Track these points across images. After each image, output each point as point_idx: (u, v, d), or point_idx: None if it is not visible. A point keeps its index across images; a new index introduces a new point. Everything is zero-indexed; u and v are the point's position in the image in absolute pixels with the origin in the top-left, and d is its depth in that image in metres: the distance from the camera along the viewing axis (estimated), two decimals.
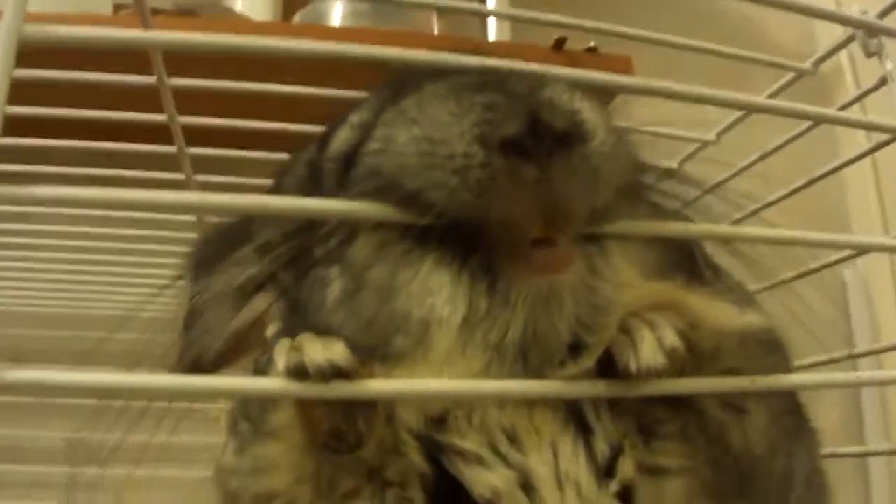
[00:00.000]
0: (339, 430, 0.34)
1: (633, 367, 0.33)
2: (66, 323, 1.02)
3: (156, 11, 0.89)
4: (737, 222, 0.53)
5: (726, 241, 0.41)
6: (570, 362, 0.35)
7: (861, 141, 0.62)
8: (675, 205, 0.41)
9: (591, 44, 1.00)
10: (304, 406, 0.34)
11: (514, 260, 0.34)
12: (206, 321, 0.49)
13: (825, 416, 0.50)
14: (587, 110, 0.34)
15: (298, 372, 0.31)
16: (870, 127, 0.51)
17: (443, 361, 0.34)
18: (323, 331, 0.36)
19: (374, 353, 0.35)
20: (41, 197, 0.29)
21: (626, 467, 0.36)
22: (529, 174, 0.31)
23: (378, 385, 0.32)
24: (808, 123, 0.59)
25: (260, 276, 0.48)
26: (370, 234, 0.36)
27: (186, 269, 0.53)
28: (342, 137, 0.43)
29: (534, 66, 0.36)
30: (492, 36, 1.04)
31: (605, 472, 0.36)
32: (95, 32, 0.31)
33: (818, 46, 0.63)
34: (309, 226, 0.43)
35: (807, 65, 0.59)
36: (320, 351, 0.31)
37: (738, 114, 0.64)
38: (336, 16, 1.02)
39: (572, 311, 0.34)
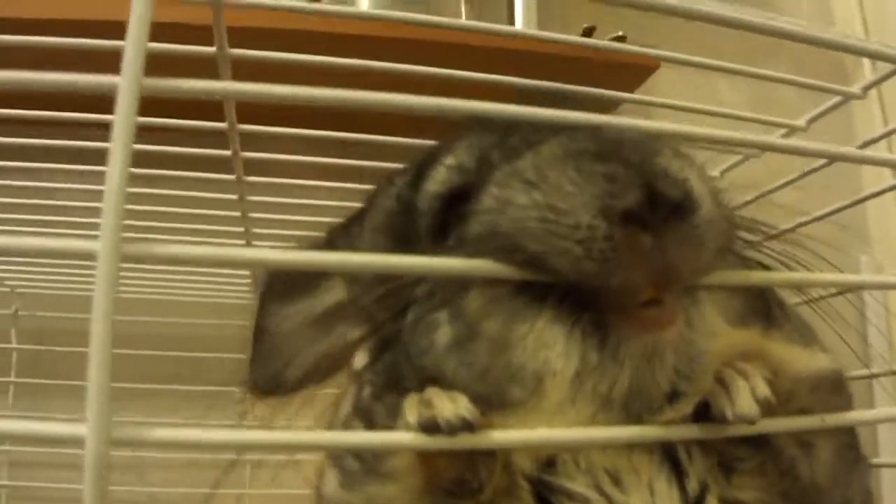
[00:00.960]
0: (461, 478, 0.37)
1: (729, 415, 0.37)
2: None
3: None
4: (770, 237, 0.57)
5: (801, 286, 0.44)
6: (666, 408, 0.39)
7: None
8: (753, 252, 0.44)
9: (619, 33, 1.02)
10: (428, 455, 0.37)
11: (624, 318, 0.37)
12: (289, 345, 0.52)
13: None
14: (695, 179, 0.37)
15: (429, 427, 0.34)
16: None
17: (555, 411, 0.38)
18: (431, 375, 0.40)
19: (489, 401, 0.38)
20: None
21: (712, 502, 0.40)
22: (647, 244, 0.34)
23: (500, 436, 0.35)
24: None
25: (348, 304, 0.50)
26: (483, 286, 0.39)
27: (261, 291, 0.56)
28: (439, 179, 0.45)
29: (642, 124, 0.39)
30: (518, 23, 1.06)
31: None
32: None
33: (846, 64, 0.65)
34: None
35: (856, 88, 0.62)
36: (450, 407, 0.34)
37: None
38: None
39: (672, 363, 0.38)
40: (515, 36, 0.95)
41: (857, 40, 0.51)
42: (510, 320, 0.38)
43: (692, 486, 0.40)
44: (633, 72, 1.06)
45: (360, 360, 0.49)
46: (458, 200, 0.43)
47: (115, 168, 0.28)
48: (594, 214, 0.35)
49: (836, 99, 0.63)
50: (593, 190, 0.35)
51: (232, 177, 0.72)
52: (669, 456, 0.40)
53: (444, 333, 0.40)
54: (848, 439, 0.44)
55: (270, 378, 0.53)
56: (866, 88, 0.62)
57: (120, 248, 0.28)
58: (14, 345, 1.10)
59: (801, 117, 0.68)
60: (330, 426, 0.47)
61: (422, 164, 0.48)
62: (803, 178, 0.65)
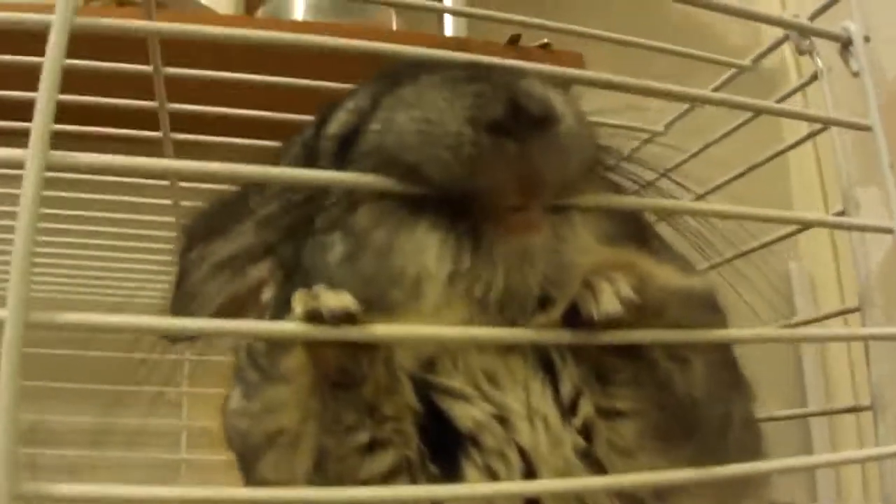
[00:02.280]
0: (345, 369, 0.40)
1: (594, 314, 0.40)
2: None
3: (124, 3, 0.95)
4: None
5: (673, 213, 0.49)
6: (540, 313, 0.42)
7: (802, 130, 0.71)
8: (631, 184, 0.49)
9: (545, 40, 1.09)
10: (315, 348, 0.40)
11: (494, 223, 0.41)
12: (202, 286, 0.55)
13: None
14: (557, 99, 0.41)
15: (315, 316, 0.37)
16: (801, 117, 0.60)
17: (432, 312, 0.41)
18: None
19: (372, 304, 0.41)
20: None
21: (586, 408, 0.43)
22: (510, 150, 0.39)
23: (381, 329, 0.38)
24: (750, 114, 0.67)
25: (257, 246, 0.54)
26: (371, 203, 0.43)
27: (182, 237, 0.59)
28: (340, 120, 0.50)
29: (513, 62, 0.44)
30: (448, 31, 1.12)
31: (569, 410, 0.43)
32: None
33: (763, 41, 0.71)
34: (307, 200, 0.50)
35: (747, 61, 0.68)
36: (333, 298, 0.38)
37: (684, 107, 0.72)
38: (298, 10, 1.08)
39: (542, 268, 0.42)
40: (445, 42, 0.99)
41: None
42: (394, 230, 0.42)
43: (565, 389, 0.43)
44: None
45: (267, 294, 0.53)
46: (355, 137, 0.47)
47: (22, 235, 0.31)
48: (462, 123, 0.39)
49: (731, 72, 0.69)
50: (462, 103, 0.40)
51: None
52: (544, 360, 0.44)
53: (337, 251, 0.44)
54: (724, 357, 0.48)
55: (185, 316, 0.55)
56: (756, 60, 0.68)
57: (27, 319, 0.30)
58: None
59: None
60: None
61: (325, 112, 0.52)
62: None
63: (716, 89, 0.70)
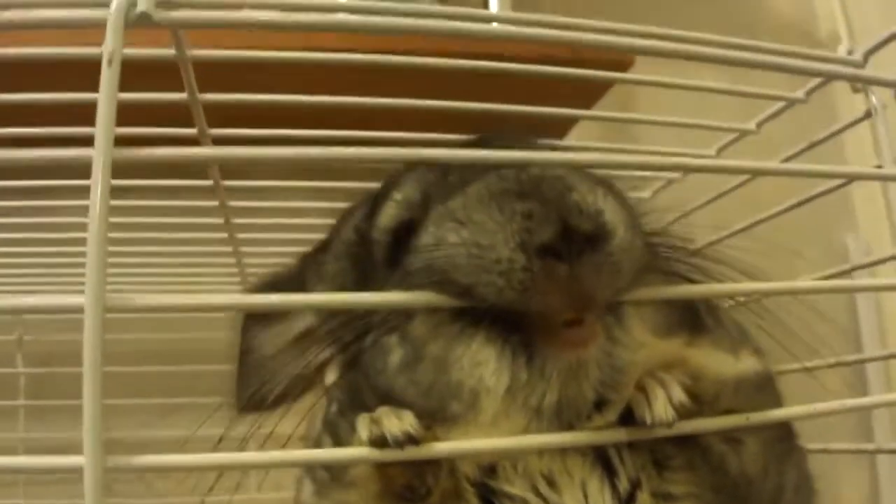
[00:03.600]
0: (411, 484, 0.43)
1: (647, 420, 0.43)
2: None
3: None
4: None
5: (723, 296, 0.50)
6: (595, 416, 0.44)
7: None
8: (680, 266, 0.50)
9: None
10: (382, 467, 0.43)
11: (548, 339, 0.43)
12: (266, 364, 0.59)
13: None
14: (609, 210, 0.42)
15: (379, 442, 0.40)
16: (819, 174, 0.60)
17: (491, 422, 0.44)
18: (386, 392, 0.46)
19: (433, 415, 0.44)
20: None
21: (643, 499, 0.46)
22: (562, 272, 0.40)
23: (441, 447, 0.41)
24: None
25: (319, 329, 0.57)
26: (426, 314, 0.45)
27: (243, 317, 0.62)
28: (389, 214, 0.52)
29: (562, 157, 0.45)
30: (494, 6, 1.11)
31: (626, 502, 0.46)
32: None
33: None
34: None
35: (800, 93, 0.67)
36: (396, 424, 0.41)
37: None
38: None
39: (597, 376, 0.44)
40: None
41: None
42: (449, 343, 0.44)
43: (623, 484, 0.46)
44: (611, 66, 1.09)
45: (330, 377, 0.56)
46: (406, 232, 0.50)
47: (95, 225, 0.36)
48: (513, 249, 0.41)
49: (780, 105, 0.68)
50: (513, 227, 0.41)
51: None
52: (601, 457, 0.46)
53: (395, 357, 0.46)
54: (777, 433, 0.50)
55: (251, 396, 0.59)
56: (809, 93, 0.67)
57: (104, 301, 0.35)
58: (21, 369, 1.17)
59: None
60: (306, 437, 0.54)
61: (376, 197, 0.55)
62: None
63: (763, 122, 0.70)
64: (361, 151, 0.43)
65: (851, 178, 0.62)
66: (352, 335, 0.52)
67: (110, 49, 0.39)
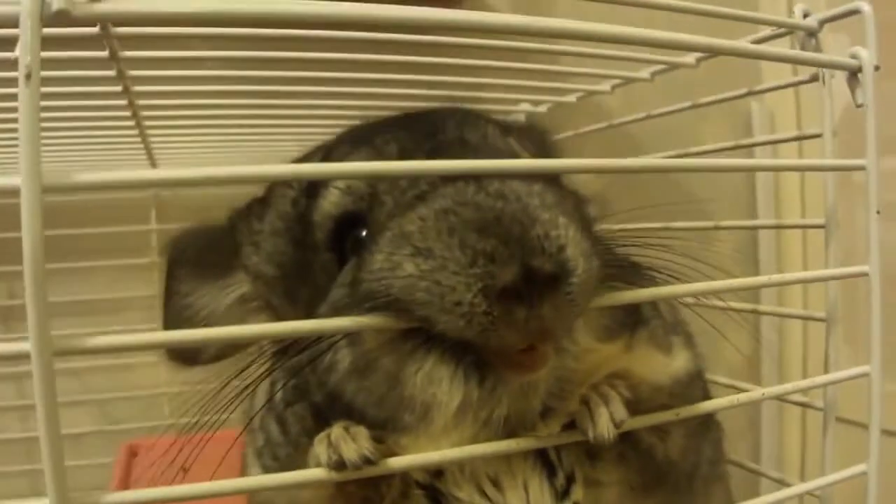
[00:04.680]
0: (367, 496, 0.46)
1: (590, 436, 0.46)
2: None
3: None
4: None
5: (666, 298, 0.52)
6: (540, 424, 0.47)
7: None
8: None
9: None
10: (340, 483, 0.45)
11: (501, 361, 0.44)
12: (202, 324, 0.59)
13: None
14: (571, 244, 0.42)
15: (339, 466, 0.42)
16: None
17: (441, 434, 0.46)
18: (334, 392, 0.47)
19: (384, 423, 0.46)
20: None
21: (577, 492, 0.50)
22: (522, 315, 0.40)
23: (395, 462, 0.43)
24: None
25: (254, 297, 0.57)
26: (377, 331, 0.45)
27: (169, 263, 0.61)
28: (332, 201, 0.50)
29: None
30: None
31: (562, 496, 0.49)
32: None
33: None
34: (305, 273, 0.52)
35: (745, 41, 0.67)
36: (354, 449, 0.42)
37: None
38: None
39: (545, 390, 0.46)
40: None
41: None
42: (402, 360, 0.45)
43: (559, 481, 0.49)
44: None
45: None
46: (350, 223, 0.50)
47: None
48: (475, 294, 0.40)
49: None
50: (475, 270, 0.40)
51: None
52: (542, 457, 0.49)
53: (344, 359, 0.47)
54: (699, 419, 0.54)
55: (186, 352, 0.59)
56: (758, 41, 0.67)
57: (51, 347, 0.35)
58: None
59: None
60: (246, 415, 0.55)
61: (314, 170, 0.53)
62: None
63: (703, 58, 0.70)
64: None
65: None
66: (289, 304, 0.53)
67: (27, 60, 0.34)
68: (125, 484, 1.14)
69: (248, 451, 0.55)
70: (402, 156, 0.49)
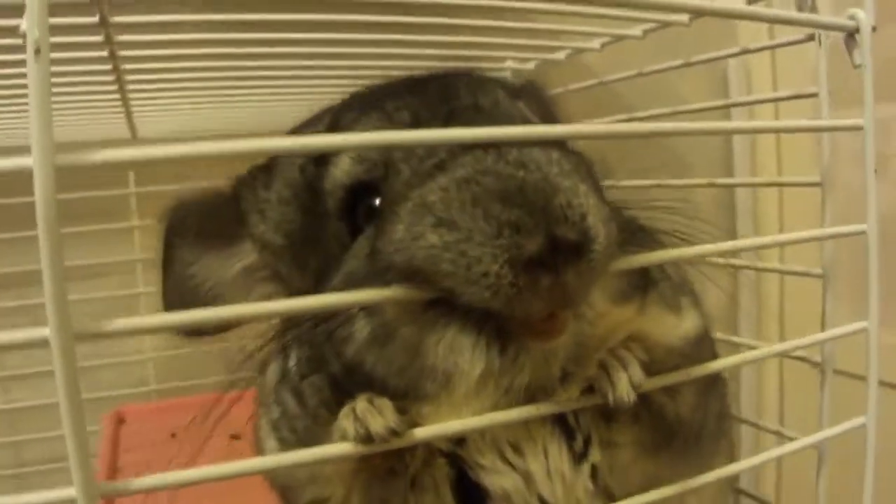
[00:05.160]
0: (391, 467, 0.47)
1: (610, 400, 0.47)
2: None
3: None
4: None
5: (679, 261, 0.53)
6: (559, 389, 0.48)
7: None
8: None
9: None
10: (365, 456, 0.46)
11: (523, 329, 0.45)
12: (206, 293, 0.58)
13: None
14: (593, 214, 0.42)
15: (366, 439, 0.43)
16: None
17: (462, 402, 0.47)
18: (352, 363, 0.48)
19: (406, 392, 0.47)
20: None
21: (595, 454, 0.51)
22: (546, 283, 0.41)
23: (421, 433, 0.44)
24: None
25: (261, 267, 0.57)
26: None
27: (167, 228, 0.60)
28: (345, 169, 0.50)
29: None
30: None
31: (580, 458, 0.51)
32: None
33: None
34: (314, 241, 0.52)
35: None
36: (380, 422, 0.43)
37: None
38: None
39: (564, 357, 0.47)
40: None
41: None
42: (423, 330, 0.45)
43: (578, 444, 0.51)
44: None
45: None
46: (364, 191, 0.50)
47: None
48: (501, 264, 0.41)
49: None
50: (501, 241, 0.41)
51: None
52: (560, 421, 0.50)
53: (362, 328, 0.47)
54: (706, 377, 0.56)
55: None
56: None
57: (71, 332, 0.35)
58: None
59: None
60: (259, 384, 0.55)
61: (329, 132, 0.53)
62: None
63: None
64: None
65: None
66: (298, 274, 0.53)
67: (36, 35, 0.33)
68: (114, 452, 1.15)
69: (263, 422, 0.55)
70: (416, 123, 0.49)
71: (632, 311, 0.51)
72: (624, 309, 0.51)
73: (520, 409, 0.47)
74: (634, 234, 0.50)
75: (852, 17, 0.58)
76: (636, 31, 0.86)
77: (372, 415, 0.44)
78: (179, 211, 0.60)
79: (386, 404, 0.45)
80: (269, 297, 0.58)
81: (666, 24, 0.80)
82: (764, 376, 1.34)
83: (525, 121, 0.52)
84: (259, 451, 0.56)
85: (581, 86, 0.98)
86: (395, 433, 0.43)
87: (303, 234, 0.54)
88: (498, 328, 0.45)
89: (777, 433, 0.73)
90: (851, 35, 0.59)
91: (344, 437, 0.44)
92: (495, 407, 0.47)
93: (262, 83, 1.00)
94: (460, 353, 0.45)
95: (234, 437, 1.09)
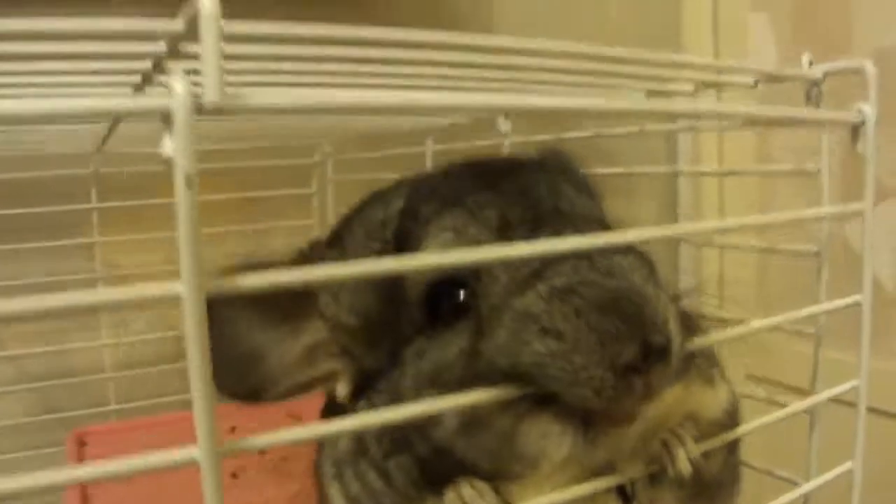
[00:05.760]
0: None
1: (671, 473, 0.54)
2: None
3: None
4: None
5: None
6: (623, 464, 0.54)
7: None
8: None
9: None
10: None
11: (604, 418, 0.50)
12: (271, 369, 0.60)
13: None
14: (672, 319, 0.49)
15: None
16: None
17: (545, 480, 0.52)
18: (442, 447, 0.52)
19: (495, 473, 0.52)
20: None
21: None
22: (639, 385, 0.47)
23: None
24: None
25: (331, 343, 0.59)
26: None
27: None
28: (432, 265, 0.53)
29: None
30: None
31: None
32: None
33: None
34: (390, 324, 0.55)
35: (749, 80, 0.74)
36: None
37: None
38: None
39: (634, 438, 0.52)
40: None
41: None
42: (517, 420, 0.50)
43: None
44: None
45: (341, 390, 0.60)
46: (447, 284, 0.54)
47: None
48: (605, 368, 0.47)
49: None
50: (603, 351, 0.47)
51: None
52: (619, 490, 0.56)
53: (451, 414, 0.51)
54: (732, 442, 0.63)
55: (250, 390, 0.61)
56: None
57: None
58: None
59: None
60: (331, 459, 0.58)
61: (404, 221, 0.57)
62: None
63: None
64: None
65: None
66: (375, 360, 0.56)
67: (186, 168, 0.34)
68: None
69: (333, 491, 0.58)
70: (504, 226, 0.53)
71: (680, 389, 0.57)
72: (674, 388, 0.57)
73: (596, 481, 0.53)
74: (685, 321, 0.56)
75: (859, 112, 0.65)
76: None
77: (479, 499, 0.48)
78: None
79: (485, 488, 0.50)
80: (335, 372, 0.61)
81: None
82: None
83: (599, 220, 0.57)
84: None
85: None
86: None
87: (378, 317, 0.58)
88: (583, 419, 0.50)
89: (769, 400, 0.80)
90: (856, 127, 0.66)
91: None
92: (573, 482, 0.52)
93: None
94: (550, 439, 0.50)
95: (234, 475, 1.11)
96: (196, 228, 0.35)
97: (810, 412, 0.76)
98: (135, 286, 0.36)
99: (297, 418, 1.06)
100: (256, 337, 0.60)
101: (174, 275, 0.36)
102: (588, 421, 0.50)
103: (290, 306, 0.60)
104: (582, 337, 0.47)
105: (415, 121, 1.18)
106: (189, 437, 0.38)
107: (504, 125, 1.05)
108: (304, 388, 0.61)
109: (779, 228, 1.12)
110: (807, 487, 0.69)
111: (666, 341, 0.48)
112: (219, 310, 0.59)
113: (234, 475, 1.30)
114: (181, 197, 0.34)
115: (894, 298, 1.16)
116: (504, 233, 0.53)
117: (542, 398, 0.49)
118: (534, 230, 0.52)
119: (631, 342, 0.47)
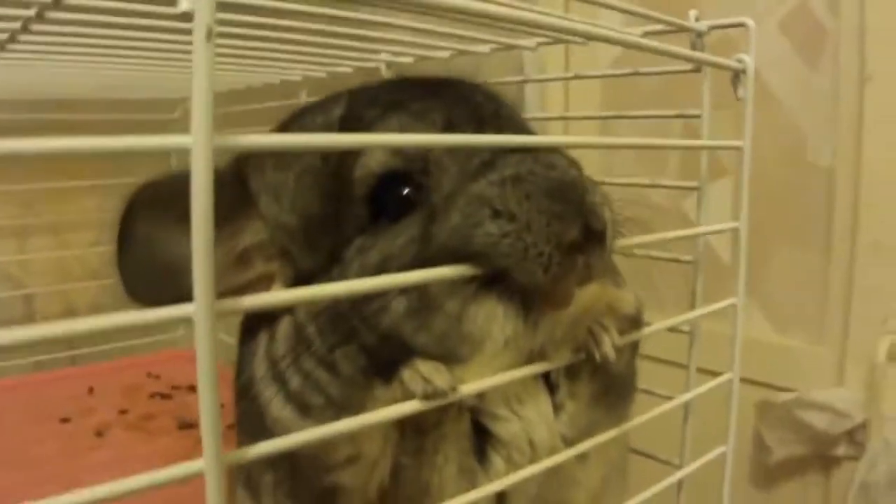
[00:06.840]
0: (439, 421, 0.56)
1: (597, 357, 0.60)
2: None
3: None
4: None
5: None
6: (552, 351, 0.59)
7: None
8: None
9: None
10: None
11: (544, 300, 0.55)
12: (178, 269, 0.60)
13: None
14: (606, 206, 0.55)
15: (433, 396, 0.51)
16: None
17: (487, 361, 0.56)
18: (389, 333, 0.56)
19: (443, 357, 0.55)
20: None
21: (569, 404, 0.64)
22: (580, 263, 0.53)
23: (467, 389, 0.54)
24: None
25: (270, 245, 0.61)
26: None
27: (133, 204, 0.59)
28: (379, 159, 0.57)
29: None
30: None
31: (558, 408, 0.63)
32: None
33: None
34: (331, 223, 0.58)
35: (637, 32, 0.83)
36: (445, 380, 0.52)
37: None
38: None
39: (566, 323, 0.58)
40: None
41: None
42: (465, 302, 0.55)
43: (559, 396, 0.63)
44: None
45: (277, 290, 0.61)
46: (393, 180, 0.58)
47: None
48: (552, 246, 0.52)
49: None
50: (552, 229, 0.52)
51: None
52: (545, 377, 0.62)
53: (398, 301, 0.55)
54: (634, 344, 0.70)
55: (180, 295, 0.61)
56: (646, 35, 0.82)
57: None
58: None
59: None
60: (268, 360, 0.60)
61: (346, 125, 0.60)
62: None
63: None
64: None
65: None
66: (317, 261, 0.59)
67: (206, 19, 0.34)
68: None
69: (268, 393, 0.59)
70: (450, 126, 0.58)
71: (603, 287, 0.63)
72: (599, 285, 0.63)
73: (539, 364, 0.59)
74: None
75: (740, 60, 0.75)
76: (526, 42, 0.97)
77: (437, 373, 0.52)
78: (148, 190, 0.59)
79: (439, 365, 0.54)
80: (272, 274, 0.62)
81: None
82: None
83: (528, 128, 0.63)
84: (257, 421, 0.59)
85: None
86: (454, 390, 0.52)
87: (319, 216, 0.60)
88: (522, 301, 0.55)
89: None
90: (737, 74, 0.76)
91: (407, 396, 0.52)
92: (510, 366, 0.57)
93: None
94: (495, 321, 0.55)
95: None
96: (210, 87, 0.35)
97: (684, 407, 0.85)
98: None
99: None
100: (172, 240, 0.57)
101: None
102: (528, 305, 0.55)
103: (228, 208, 0.60)
104: (532, 218, 0.52)
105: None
106: None
107: None
108: (238, 291, 0.62)
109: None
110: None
111: (603, 226, 0.54)
112: (150, 212, 0.59)
113: (99, 433, 1.26)
114: (200, 51, 0.34)
115: (728, 266, 1.29)
116: (450, 133, 0.57)
117: (488, 281, 0.54)
118: (478, 131, 0.58)
119: (574, 224, 0.52)
